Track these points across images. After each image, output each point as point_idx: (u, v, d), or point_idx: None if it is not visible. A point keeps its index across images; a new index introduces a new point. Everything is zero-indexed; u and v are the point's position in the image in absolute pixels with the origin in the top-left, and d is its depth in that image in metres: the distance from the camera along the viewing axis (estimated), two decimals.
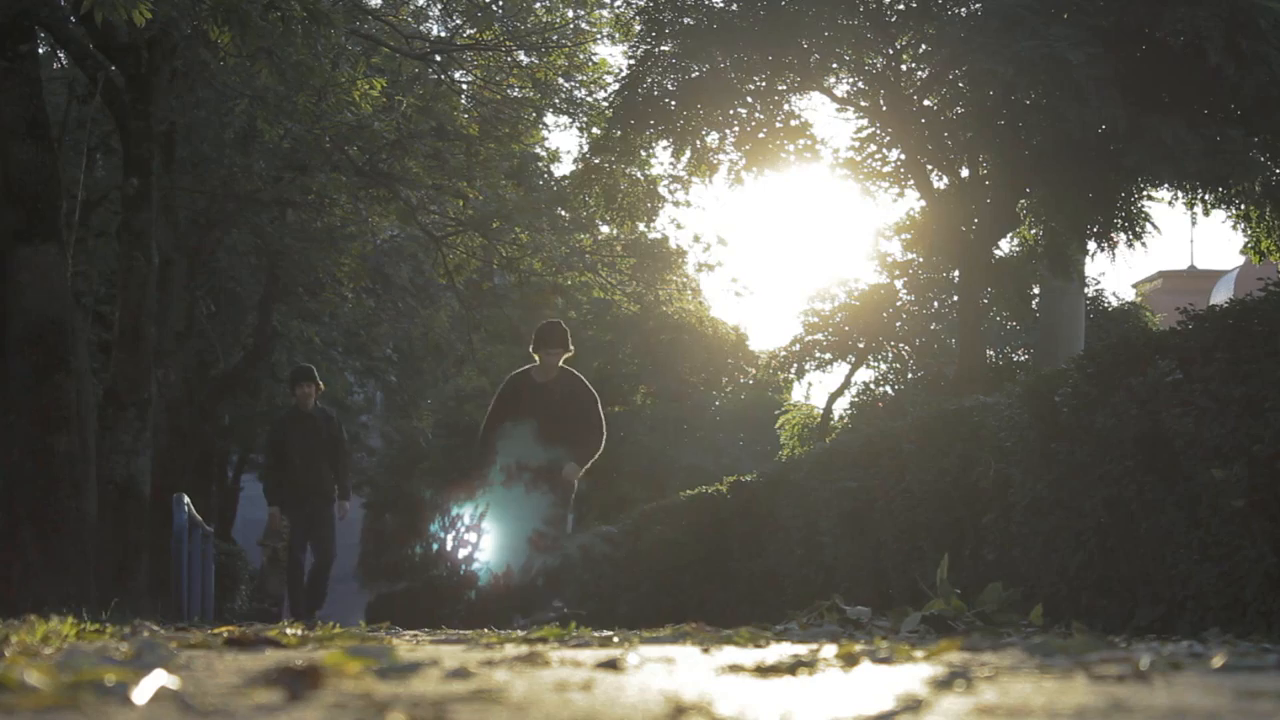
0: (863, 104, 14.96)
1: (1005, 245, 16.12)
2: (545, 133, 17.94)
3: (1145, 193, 13.76)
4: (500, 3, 17.46)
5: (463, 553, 33.24)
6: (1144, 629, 4.89)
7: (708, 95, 14.50)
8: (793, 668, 1.93)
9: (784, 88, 14.93)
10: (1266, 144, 12.83)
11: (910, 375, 27.20)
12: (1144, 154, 12.07)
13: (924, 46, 14.25)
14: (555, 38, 17.37)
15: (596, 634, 3.75)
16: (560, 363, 9.69)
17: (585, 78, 17.79)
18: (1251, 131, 12.45)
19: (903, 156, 14.86)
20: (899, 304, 26.53)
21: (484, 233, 18.92)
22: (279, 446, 11.39)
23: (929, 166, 14.72)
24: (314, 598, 11.25)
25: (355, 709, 1.39)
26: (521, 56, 17.77)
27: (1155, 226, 13.81)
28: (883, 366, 27.85)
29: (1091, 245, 13.94)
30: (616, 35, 17.17)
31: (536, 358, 9.70)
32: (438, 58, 17.47)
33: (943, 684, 1.70)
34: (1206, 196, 13.39)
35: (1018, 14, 11.98)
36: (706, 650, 2.71)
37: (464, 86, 18.13)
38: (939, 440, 7.07)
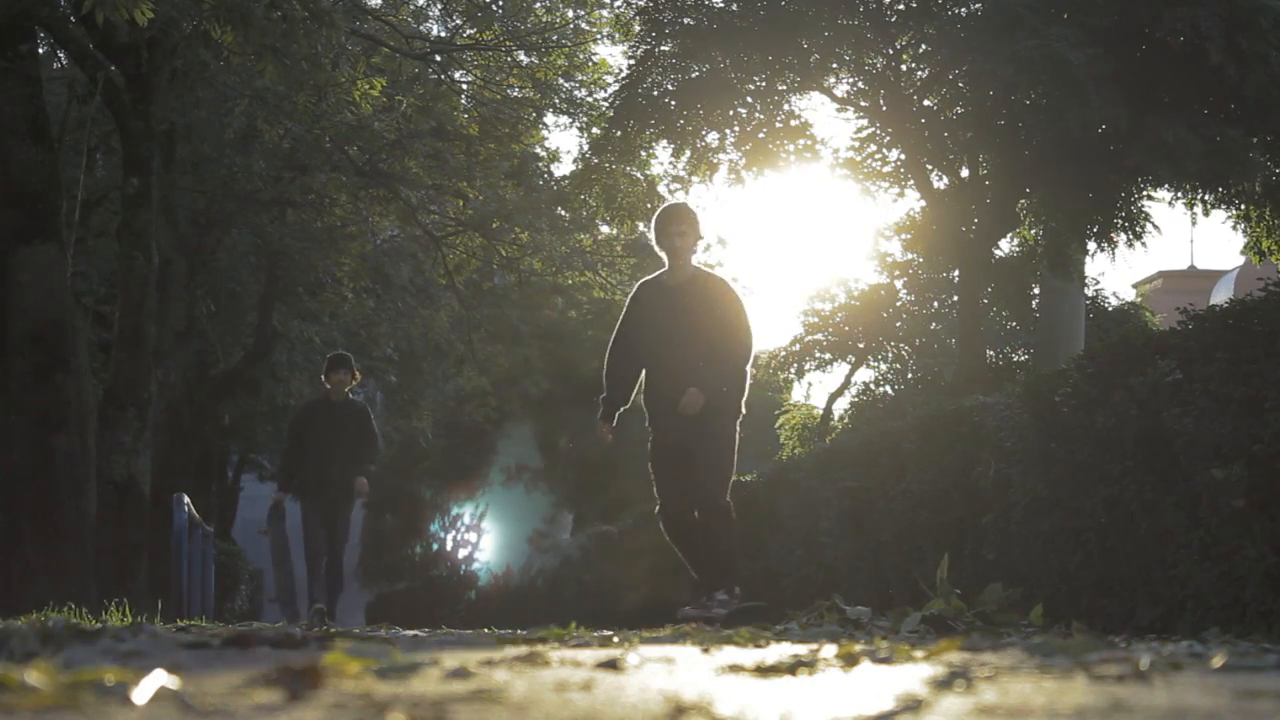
0: (863, 104, 14.96)
1: (1005, 245, 16.13)
2: (545, 133, 17.96)
3: (1145, 193, 13.76)
4: (500, 3, 17.46)
5: (463, 553, 32.94)
6: (1144, 629, 4.89)
7: (708, 95, 14.50)
8: (793, 668, 1.93)
9: (784, 88, 14.93)
10: (1267, 144, 12.84)
11: (910, 375, 27.19)
12: (1144, 154, 12.07)
13: (924, 46, 14.25)
14: (555, 38, 17.37)
15: (596, 634, 3.75)
16: (694, 260, 7.57)
17: (585, 78, 17.80)
18: (1251, 131, 12.45)
19: (903, 156, 14.86)
20: (899, 304, 26.53)
21: (484, 233, 18.92)
22: (299, 435, 10.83)
23: (929, 166, 14.72)
24: (330, 590, 10.74)
25: (355, 709, 1.39)
26: (521, 56, 17.78)
27: (1155, 226, 13.81)
28: (883, 366, 27.84)
29: (1091, 245, 13.94)
30: (616, 35, 17.18)
31: (664, 254, 7.57)
32: (438, 58, 17.47)
33: (943, 684, 1.70)
34: (1206, 196, 13.40)
35: (1018, 14, 11.98)
36: (706, 650, 2.71)
37: (464, 86, 18.14)
38: (939, 440, 7.07)
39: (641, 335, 7.50)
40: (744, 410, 7.35)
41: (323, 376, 11.15)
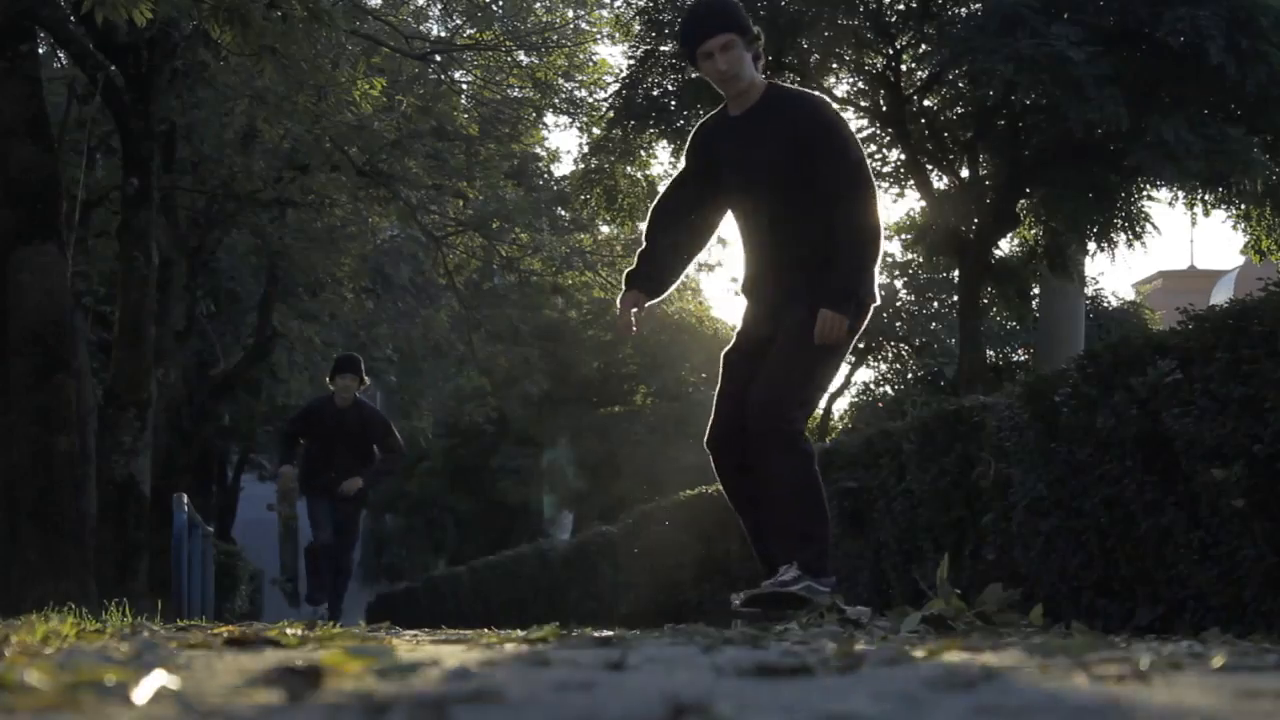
0: (863, 104, 14.96)
1: (1005, 245, 16.14)
2: (545, 133, 18.01)
3: (1145, 193, 13.77)
4: (500, 3, 17.47)
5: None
6: (1144, 629, 4.89)
7: (708, 95, 14.50)
8: (793, 668, 1.93)
9: None
10: (1267, 143, 12.84)
11: (910, 375, 27.20)
12: (1144, 154, 12.08)
13: (924, 46, 14.26)
14: (555, 38, 17.38)
15: (596, 634, 3.75)
16: (760, 72, 5.11)
17: (585, 78, 17.81)
18: (1252, 131, 12.46)
19: (903, 156, 14.86)
20: (899, 304, 26.54)
21: (484, 233, 18.94)
22: (295, 437, 10.46)
23: (929, 166, 14.72)
24: (335, 590, 10.32)
25: (355, 709, 1.39)
26: (521, 56, 17.79)
27: (1155, 227, 13.83)
28: (883, 366, 27.86)
29: (1091, 245, 13.95)
30: (616, 35, 17.18)
31: (702, 67, 5.04)
32: (438, 58, 17.47)
33: (943, 684, 1.70)
34: (1206, 196, 13.40)
35: (1018, 14, 11.98)
36: (706, 650, 2.71)
37: (464, 86, 18.14)
38: (939, 440, 7.07)
39: (699, 195, 5.28)
40: (868, 303, 4.96)
41: (328, 379, 10.63)
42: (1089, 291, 21.44)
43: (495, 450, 31.97)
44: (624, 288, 5.32)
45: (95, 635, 3.35)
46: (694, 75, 14.71)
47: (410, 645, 3.25)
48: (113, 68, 12.04)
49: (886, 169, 15.25)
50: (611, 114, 15.39)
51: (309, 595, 10.45)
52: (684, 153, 5.43)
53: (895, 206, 24.73)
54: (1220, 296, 35.89)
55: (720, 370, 5.21)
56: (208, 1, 9.82)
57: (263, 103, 14.79)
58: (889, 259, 25.86)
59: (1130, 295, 30.33)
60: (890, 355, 27.29)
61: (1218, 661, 2.18)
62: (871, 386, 28.10)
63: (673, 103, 14.64)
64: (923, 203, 15.23)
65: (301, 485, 10.52)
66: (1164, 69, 12.31)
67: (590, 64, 17.72)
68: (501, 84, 18.04)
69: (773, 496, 4.99)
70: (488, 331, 22.10)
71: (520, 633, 3.93)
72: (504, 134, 18.18)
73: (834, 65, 14.79)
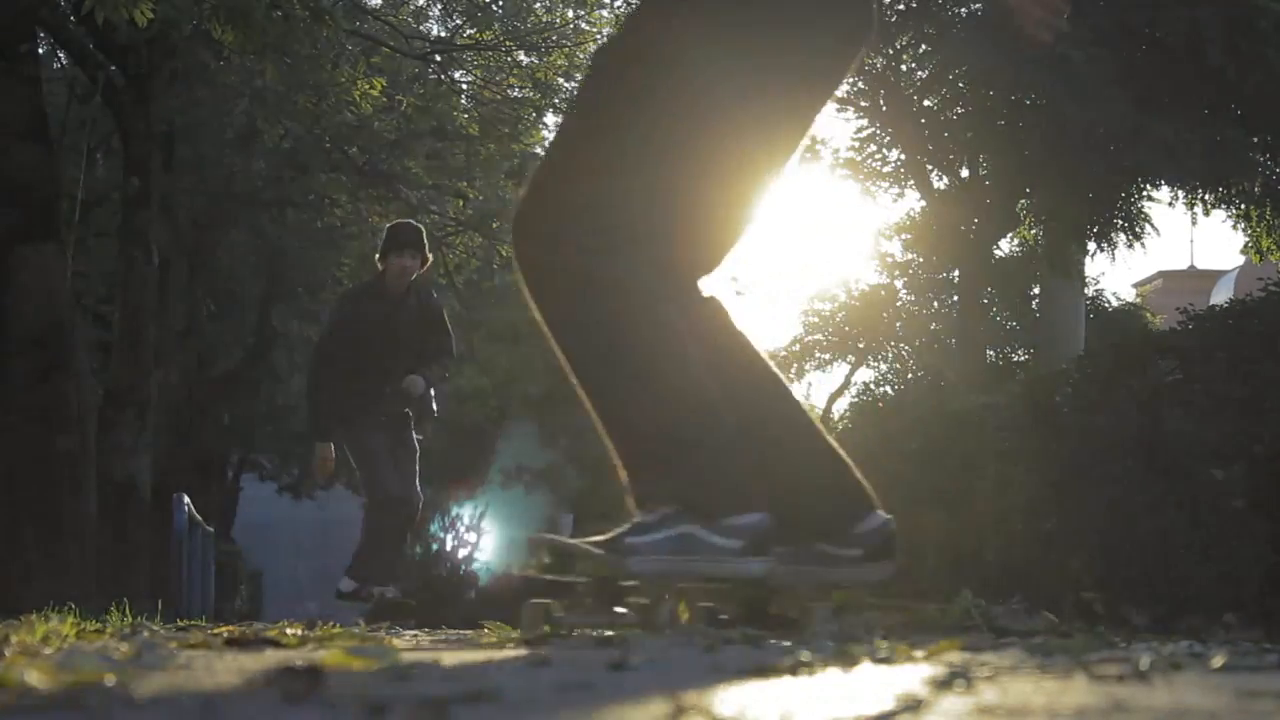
0: (863, 104, 14.96)
1: (1005, 245, 16.15)
2: (545, 133, 18.02)
3: (1145, 193, 13.78)
4: (500, 3, 17.47)
5: (463, 553, 33.01)
6: (1144, 629, 4.89)
7: None
8: (793, 668, 1.93)
9: None
10: (1266, 144, 12.85)
11: (910, 375, 27.20)
12: (1144, 154, 12.08)
13: (924, 46, 14.26)
14: (555, 38, 17.38)
15: (596, 634, 3.75)
16: None
17: None
18: (1251, 131, 12.46)
19: (903, 156, 14.87)
20: (899, 304, 26.54)
21: (484, 233, 18.93)
22: (333, 361, 7.59)
23: (929, 166, 14.72)
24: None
25: (355, 709, 1.39)
26: (521, 56, 17.79)
27: (1154, 227, 13.83)
28: (883, 366, 27.87)
29: (1091, 245, 13.95)
30: None
31: None
32: (438, 58, 17.47)
33: (943, 684, 1.70)
34: (1206, 196, 13.41)
35: None
36: (706, 650, 2.71)
37: (464, 86, 18.15)
38: (939, 440, 7.07)
39: None
40: None
41: (378, 257, 7.77)
42: (1089, 291, 21.42)
43: (495, 449, 31.92)
44: None
45: (95, 635, 3.35)
46: None
47: (410, 645, 3.25)
48: (113, 68, 12.05)
49: (886, 169, 15.25)
50: None
51: (372, 575, 7.97)
52: None
53: (895, 206, 24.77)
54: (1220, 296, 35.88)
55: None
56: (208, 1, 9.82)
57: (263, 103, 14.79)
58: (889, 258, 25.86)
59: (1130, 295, 30.34)
60: (890, 355, 27.29)
61: (1218, 661, 2.18)
62: (871, 386, 28.12)
63: None
64: (923, 203, 15.23)
65: (346, 418, 7.69)
66: (1164, 69, 12.32)
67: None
68: (501, 84, 18.04)
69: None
70: (488, 331, 22.10)
71: (520, 633, 3.93)
72: (504, 134, 18.18)
73: None
